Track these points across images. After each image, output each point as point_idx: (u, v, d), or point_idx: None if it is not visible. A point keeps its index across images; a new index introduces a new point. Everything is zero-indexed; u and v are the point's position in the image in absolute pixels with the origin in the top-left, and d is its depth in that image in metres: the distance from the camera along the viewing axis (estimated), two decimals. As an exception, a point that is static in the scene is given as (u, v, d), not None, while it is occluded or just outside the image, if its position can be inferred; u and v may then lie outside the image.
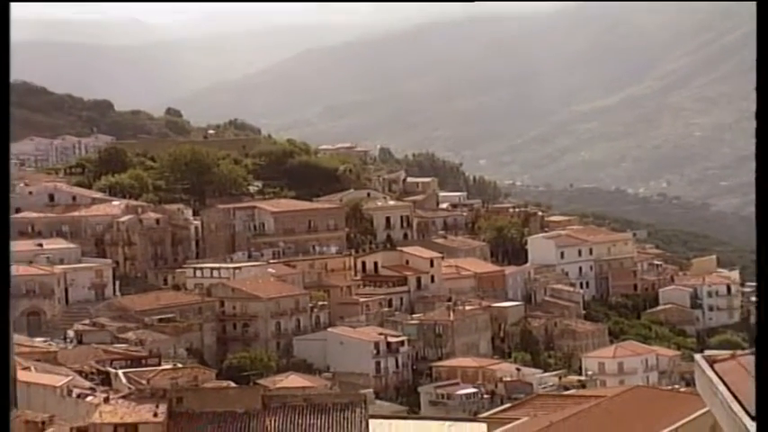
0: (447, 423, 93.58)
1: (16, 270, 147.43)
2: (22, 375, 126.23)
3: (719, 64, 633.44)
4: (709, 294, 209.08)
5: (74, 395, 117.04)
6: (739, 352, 21.54)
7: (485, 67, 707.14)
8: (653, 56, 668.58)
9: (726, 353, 21.71)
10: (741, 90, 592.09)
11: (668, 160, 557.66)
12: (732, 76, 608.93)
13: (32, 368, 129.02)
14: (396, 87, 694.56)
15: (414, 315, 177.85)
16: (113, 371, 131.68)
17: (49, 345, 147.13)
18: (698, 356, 21.61)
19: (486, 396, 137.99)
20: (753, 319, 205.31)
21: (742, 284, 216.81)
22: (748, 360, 20.20)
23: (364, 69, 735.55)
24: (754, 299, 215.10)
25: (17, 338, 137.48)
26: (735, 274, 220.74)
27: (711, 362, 20.24)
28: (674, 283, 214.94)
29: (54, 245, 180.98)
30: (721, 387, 18.37)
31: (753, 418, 16.24)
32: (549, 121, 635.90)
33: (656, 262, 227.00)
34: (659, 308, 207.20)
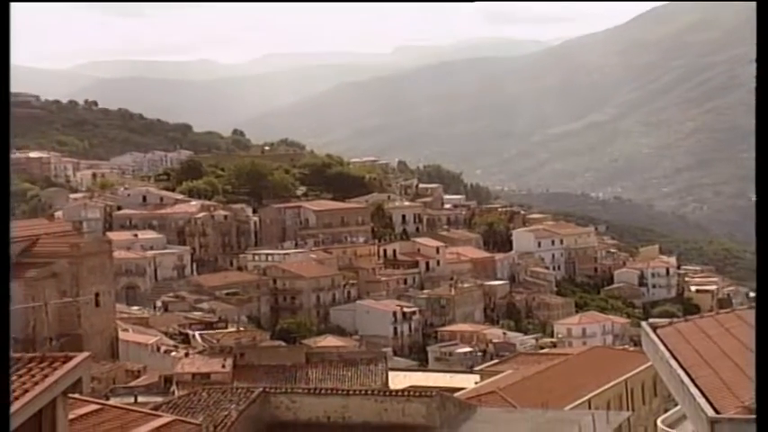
0: (449, 374, 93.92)
1: (118, 254, 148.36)
2: (122, 335, 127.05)
3: (660, 97, 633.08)
4: (653, 275, 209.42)
5: (161, 351, 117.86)
6: (675, 320, 21.81)
7: (478, 98, 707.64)
8: (609, 90, 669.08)
9: (665, 321, 22.00)
10: (678, 118, 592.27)
11: (622, 171, 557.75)
12: (670, 107, 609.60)
13: (130, 330, 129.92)
14: (409, 114, 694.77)
15: (423, 291, 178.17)
16: (191, 332, 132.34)
17: (143, 312, 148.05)
18: (644, 323, 21.89)
19: (479, 354, 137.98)
20: (686, 294, 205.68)
21: (678, 268, 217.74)
22: (682, 326, 20.53)
23: (384, 100, 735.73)
24: (686, 279, 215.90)
25: (119, 307, 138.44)
26: (672, 260, 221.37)
27: (654, 327, 20.50)
28: (626, 267, 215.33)
29: (146, 235, 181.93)
30: (661, 347, 18.64)
31: (683, 369, 16.58)
32: (529, 140, 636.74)
33: (611, 250, 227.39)
34: (614, 286, 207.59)
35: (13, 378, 22.86)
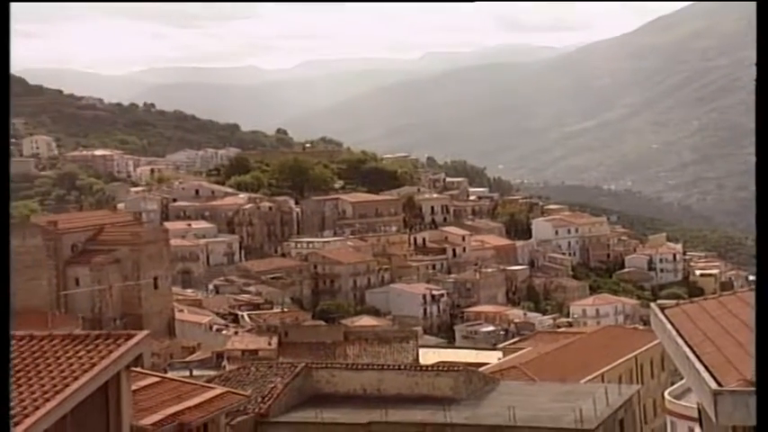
0: (474, 351, 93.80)
1: (174, 242, 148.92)
2: (178, 315, 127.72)
3: (667, 98, 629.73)
4: (660, 261, 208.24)
5: (213, 329, 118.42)
6: (681, 301, 21.71)
7: (499, 100, 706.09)
8: (619, 92, 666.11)
9: (672, 302, 21.91)
10: (683, 117, 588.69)
11: (632, 166, 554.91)
12: (676, 107, 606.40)
13: (185, 310, 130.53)
14: (436, 114, 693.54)
15: (450, 275, 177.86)
16: (240, 313, 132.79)
17: (196, 294, 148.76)
18: (652, 304, 21.80)
19: (501, 332, 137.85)
20: (691, 278, 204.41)
21: (684, 254, 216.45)
22: (687, 307, 20.44)
23: (414, 102, 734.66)
24: (692, 264, 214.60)
25: (175, 290, 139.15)
26: (679, 247, 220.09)
27: (662, 308, 20.43)
28: (636, 253, 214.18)
29: (199, 225, 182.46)
30: (668, 326, 18.59)
31: (689, 347, 16.53)
32: (546, 138, 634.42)
33: (622, 238, 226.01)
34: (625, 270, 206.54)
35: (82, 353, 23.07)
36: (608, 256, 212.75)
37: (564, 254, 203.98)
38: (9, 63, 13.38)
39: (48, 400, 21.08)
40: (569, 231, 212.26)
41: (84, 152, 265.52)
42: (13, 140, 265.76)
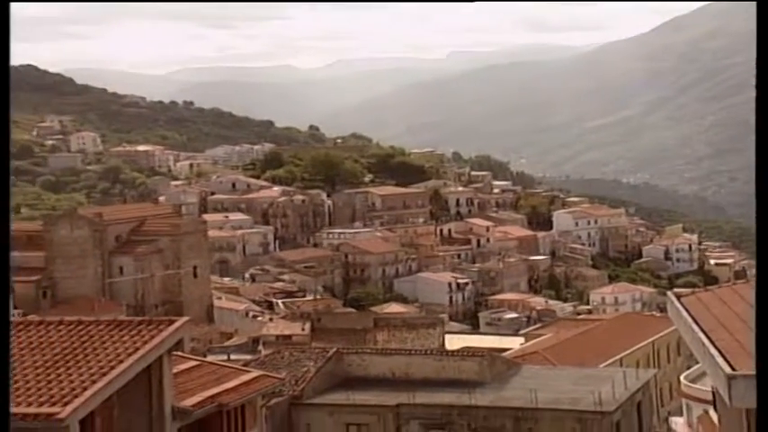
0: (498, 337, 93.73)
1: (212, 233, 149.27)
2: (216, 302, 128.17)
3: (682, 95, 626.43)
4: (677, 251, 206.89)
5: (250, 316, 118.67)
6: (697, 290, 21.60)
7: (521, 98, 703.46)
8: (636, 90, 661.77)
9: (687, 290, 21.81)
10: (698, 113, 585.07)
11: (649, 160, 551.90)
12: (691, 104, 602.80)
13: (223, 298, 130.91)
14: (461, 112, 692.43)
15: (475, 264, 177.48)
16: (275, 300, 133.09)
17: (233, 282, 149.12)
18: (669, 293, 21.71)
19: (524, 319, 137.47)
20: (706, 267, 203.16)
21: (699, 244, 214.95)
22: (703, 295, 20.34)
23: (440, 99, 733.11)
24: (707, 254, 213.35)
25: (213, 278, 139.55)
26: (694, 237, 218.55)
27: (678, 296, 20.34)
28: (653, 243, 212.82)
29: (236, 216, 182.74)
30: (684, 313, 18.51)
31: (704, 333, 16.45)
32: (566, 134, 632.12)
33: (640, 229, 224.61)
34: (643, 260, 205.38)
35: (126, 338, 23.24)
36: (626, 246, 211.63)
37: (584, 244, 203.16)
38: (9, 63, 12.68)
39: (95, 381, 21.25)
40: (589, 223, 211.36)
41: (128, 148, 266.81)
42: (61, 137, 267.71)
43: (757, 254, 10.45)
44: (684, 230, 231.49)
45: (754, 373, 13.17)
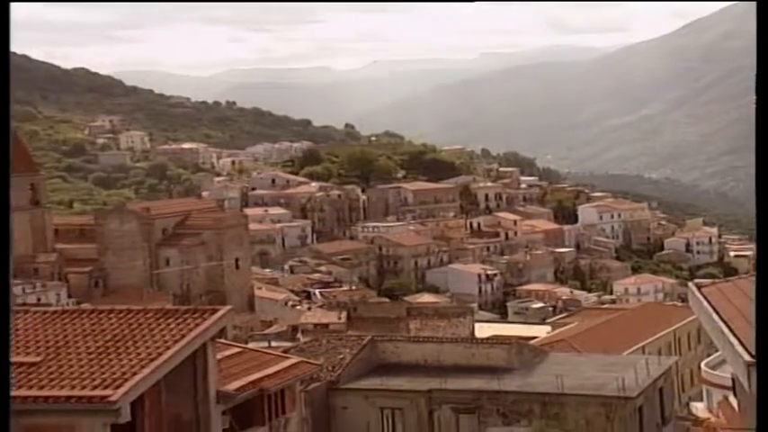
0: (525, 325, 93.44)
1: (253, 226, 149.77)
2: (257, 292, 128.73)
3: (702, 94, 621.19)
4: (697, 243, 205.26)
5: (289, 305, 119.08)
6: (717, 281, 21.48)
7: (546, 97, 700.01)
8: (658, 89, 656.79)
9: (708, 281, 21.69)
10: (718, 111, 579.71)
11: (670, 156, 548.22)
12: (711, 102, 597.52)
13: (263, 288, 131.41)
14: (490, 110, 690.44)
15: (503, 256, 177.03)
16: (312, 290, 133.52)
17: (273, 273, 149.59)
18: (690, 283, 21.60)
19: (550, 308, 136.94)
20: (726, 259, 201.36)
21: (719, 237, 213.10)
22: (722, 286, 20.23)
23: (470, 99, 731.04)
24: (726, 246, 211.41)
25: (254, 269, 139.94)
26: (714, 230, 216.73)
27: (699, 287, 20.24)
28: (674, 236, 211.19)
29: (275, 211, 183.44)
30: (705, 303, 18.42)
31: (724, 322, 16.38)
32: (590, 131, 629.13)
33: (662, 222, 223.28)
34: (664, 252, 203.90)
35: (173, 326, 23.39)
36: (648, 239, 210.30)
37: (608, 237, 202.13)
38: (9, 63, 12.06)
39: (144, 366, 21.42)
40: (613, 216, 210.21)
41: (173, 146, 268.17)
42: (111, 135, 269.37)
43: (757, 254, 10.14)
44: (705, 224, 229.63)
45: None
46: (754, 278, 20.19)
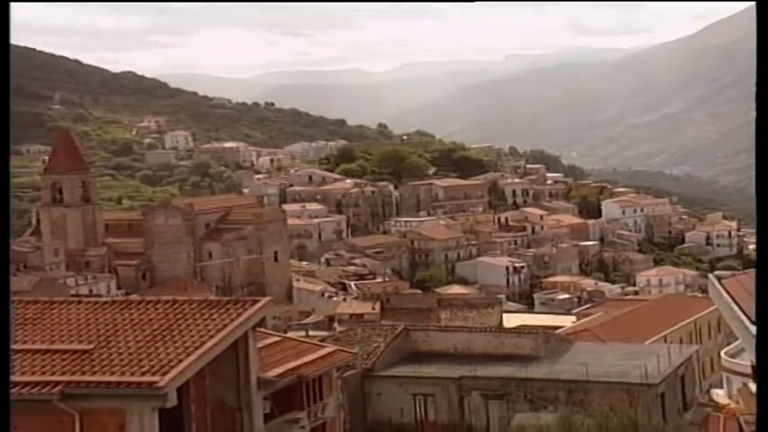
0: (551, 315, 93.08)
1: (291, 221, 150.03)
2: (295, 284, 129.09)
3: (723, 93, 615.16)
4: (717, 237, 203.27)
5: (325, 296, 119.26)
6: (736, 272, 21.32)
7: (571, 97, 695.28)
8: (679, 88, 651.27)
9: (727, 273, 21.53)
10: (737, 110, 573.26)
11: (691, 153, 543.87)
12: (730, 102, 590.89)
13: (301, 280, 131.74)
14: (516, 110, 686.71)
15: (530, 249, 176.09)
16: (348, 282, 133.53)
17: (310, 266, 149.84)
18: (710, 275, 21.45)
19: (575, 299, 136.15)
20: (744, 252, 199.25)
21: (738, 230, 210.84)
22: (741, 277, 20.06)
23: (497, 98, 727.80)
24: (745, 239, 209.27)
25: (292, 262, 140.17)
26: (733, 224, 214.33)
27: (719, 278, 20.09)
28: (695, 230, 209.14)
29: (312, 206, 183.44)
30: (724, 294, 18.29)
31: (743, 312, 16.25)
32: (613, 130, 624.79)
33: (683, 216, 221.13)
34: (685, 245, 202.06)
35: (216, 316, 23.53)
36: (670, 232, 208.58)
37: (630, 231, 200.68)
38: (9, 63, 11.58)
39: (189, 354, 21.57)
40: (635, 211, 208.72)
41: (216, 145, 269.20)
42: (157, 135, 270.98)
43: (758, 253, 9.88)
44: (724, 218, 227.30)
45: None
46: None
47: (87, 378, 20.78)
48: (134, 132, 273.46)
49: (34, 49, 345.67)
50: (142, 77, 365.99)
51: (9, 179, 12.34)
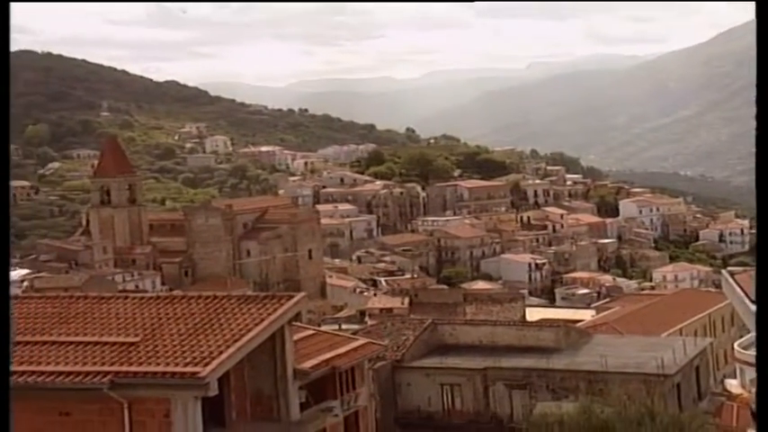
0: (571, 310, 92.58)
1: (324, 221, 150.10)
2: (328, 280, 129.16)
3: (736, 97, 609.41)
4: (730, 234, 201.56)
5: (357, 291, 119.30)
6: (748, 269, 21.11)
7: (589, 102, 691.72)
8: (694, 93, 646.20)
9: (740, 269, 21.35)
10: (750, 113, 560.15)
11: (705, 155, 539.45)
12: (743, 105, 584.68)
13: (334, 276, 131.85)
14: (538, 114, 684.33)
15: (551, 247, 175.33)
16: (378, 278, 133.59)
17: (343, 263, 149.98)
18: (723, 271, 21.28)
19: (594, 294, 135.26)
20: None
21: (750, 228, 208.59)
22: (753, 273, 19.85)
23: (519, 104, 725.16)
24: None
25: (325, 260, 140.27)
26: (746, 222, 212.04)
27: (732, 274, 19.92)
28: (709, 228, 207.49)
29: (344, 206, 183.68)
30: (737, 289, 18.13)
31: (753, 302, 16.08)
32: (630, 133, 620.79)
33: (697, 215, 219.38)
34: (699, 242, 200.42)
35: (254, 310, 23.61)
36: (684, 230, 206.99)
37: (647, 229, 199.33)
38: (9, 63, 11.09)
39: (229, 346, 21.66)
40: (651, 210, 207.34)
41: (253, 149, 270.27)
42: (197, 140, 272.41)
43: (758, 252, 9.60)
44: (737, 216, 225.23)
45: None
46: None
47: (134, 368, 20.94)
48: (176, 137, 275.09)
49: (85, 61, 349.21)
50: (184, 86, 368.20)
51: (9, 179, 11.76)
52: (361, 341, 31.83)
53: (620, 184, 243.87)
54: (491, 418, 43.72)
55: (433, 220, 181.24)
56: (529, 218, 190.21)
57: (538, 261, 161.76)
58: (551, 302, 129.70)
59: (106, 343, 22.12)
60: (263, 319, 22.98)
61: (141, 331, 22.61)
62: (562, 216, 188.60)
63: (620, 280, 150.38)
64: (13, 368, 21.42)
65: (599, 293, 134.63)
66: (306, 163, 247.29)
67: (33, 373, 21.14)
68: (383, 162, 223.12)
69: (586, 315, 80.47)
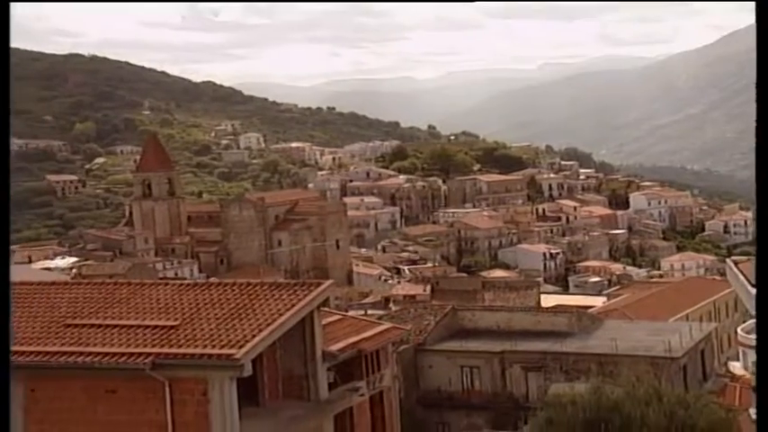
0: (584, 296, 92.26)
1: (350, 213, 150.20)
2: (355, 269, 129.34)
3: (740, 95, 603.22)
4: (734, 225, 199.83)
5: (382, 279, 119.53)
6: (751, 257, 20.97)
7: (600, 101, 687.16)
8: (700, 92, 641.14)
9: (744, 258, 21.20)
10: (752, 111, 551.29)
11: (711, 150, 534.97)
12: (746, 103, 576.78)
13: (360, 265, 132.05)
14: (552, 112, 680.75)
15: (565, 237, 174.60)
16: (402, 267, 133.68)
17: (368, 252, 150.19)
18: (728, 260, 21.15)
19: (605, 282, 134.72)
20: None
21: (754, 220, 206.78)
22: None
23: (534, 103, 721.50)
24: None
25: (352, 249, 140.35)
26: (749, 214, 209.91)
27: (736, 263, 19.81)
28: (714, 219, 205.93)
29: (369, 199, 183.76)
30: (741, 276, 18.03)
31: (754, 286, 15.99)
32: (640, 128, 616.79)
33: (703, 207, 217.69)
34: (705, 233, 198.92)
35: (285, 296, 23.72)
36: (691, 221, 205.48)
37: (655, 221, 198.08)
38: (9, 63, 10.63)
39: (262, 330, 21.78)
40: (660, 203, 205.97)
41: (284, 145, 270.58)
42: (232, 137, 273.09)
43: (758, 252, 9.38)
44: (741, 208, 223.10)
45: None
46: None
47: (174, 350, 21.12)
48: (212, 135, 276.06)
49: (128, 63, 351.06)
50: (220, 86, 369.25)
51: (9, 179, 11.31)
52: (386, 326, 31.88)
53: (631, 178, 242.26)
54: (508, 397, 43.72)
55: (454, 212, 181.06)
56: (544, 210, 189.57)
57: (552, 251, 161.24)
58: (565, 290, 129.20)
59: (148, 326, 22.31)
60: (293, 305, 23.09)
61: (180, 316, 22.79)
62: (575, 208, 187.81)
63: (630, 268, 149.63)
64: (63, 349, 21.80)
65: (610, 281, 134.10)
66: (333, 158, 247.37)
67: (82, 353, 21.38)
68: (406, 157, 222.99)
69: (598, 302, 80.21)
